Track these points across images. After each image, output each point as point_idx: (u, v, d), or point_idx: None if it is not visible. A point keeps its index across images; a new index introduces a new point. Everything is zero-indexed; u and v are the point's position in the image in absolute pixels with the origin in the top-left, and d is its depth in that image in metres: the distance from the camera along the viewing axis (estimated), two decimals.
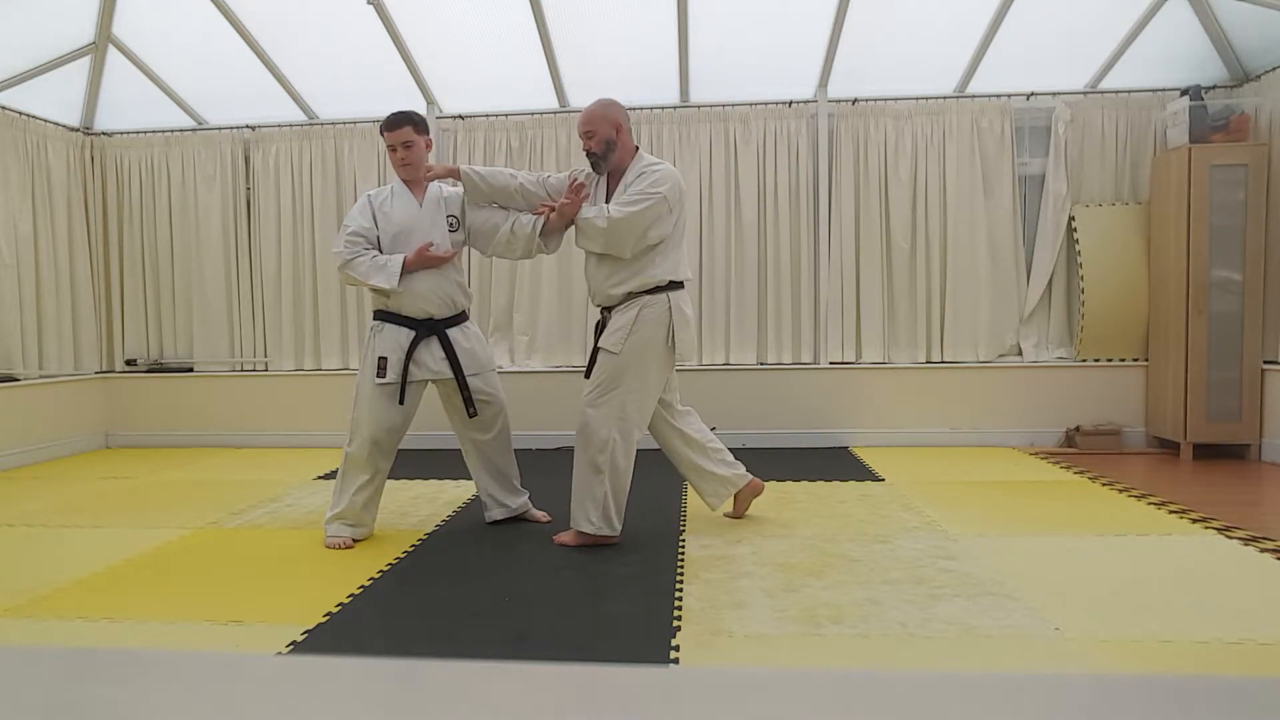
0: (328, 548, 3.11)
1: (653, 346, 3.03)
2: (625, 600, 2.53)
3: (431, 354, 3.19)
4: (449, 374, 3.21)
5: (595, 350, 3.14)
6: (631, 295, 3.06)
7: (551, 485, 4.09)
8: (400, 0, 4.72)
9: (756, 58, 5.05)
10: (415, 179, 3.25)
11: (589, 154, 3.13)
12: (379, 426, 3.15)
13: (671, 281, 3.07)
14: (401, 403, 3.16)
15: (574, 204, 3.07)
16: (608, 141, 3.08)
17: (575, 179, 3.14)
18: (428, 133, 3.27)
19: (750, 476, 3.40)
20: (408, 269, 3.10)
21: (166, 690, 0.56)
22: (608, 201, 3.11)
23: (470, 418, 3.28)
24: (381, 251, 3.17)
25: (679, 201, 3.09)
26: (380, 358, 3.15)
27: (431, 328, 3.19)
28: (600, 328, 3.17)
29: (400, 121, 3.18)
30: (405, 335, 3.16)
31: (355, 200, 5.48)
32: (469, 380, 3.24)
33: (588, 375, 3.17)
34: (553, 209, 3.12)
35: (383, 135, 3.21)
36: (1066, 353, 5.23)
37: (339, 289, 5.58)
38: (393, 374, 3.13)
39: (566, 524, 3.39)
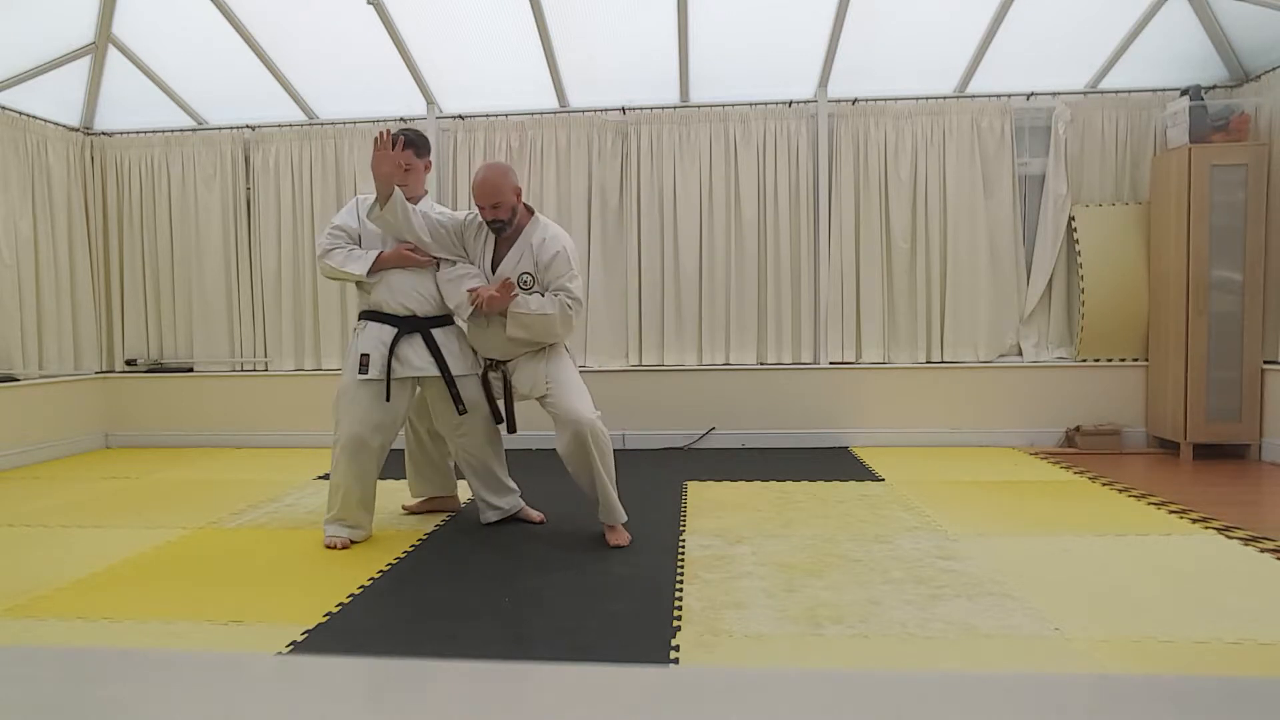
0: (326, 548, 3.11)
1: (566, 359, 3.29)
2: (625, 600, 2.53)
3: (415, 351, 3.18)
4: (434, 372, 3.19)
5: (507, 402, 3.36)
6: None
7: (551, 485, 4.09)
8: (400, 0, 4.72)
9: (756, 58, 5.05)
10: (410, 196, 3.28)
11: (495, 223, 3.14)
12: (362, 424, 3.12)
13: None
14: (387, 399, 3.15)
15: (503, 299, 3.07)
16: (514, 208, 3.15)
17: (506, 277, 3.12)
18: (429, 155, 3.34)
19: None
20: (382, 262, 3.16)
21: (166, 690, 0.56)
22: (496, 260, 3.19)
23: (460, 414, 3.26)
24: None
25: None
26: (362, 354, 3.14)
27: (414, 325, 3.19)
28: (488, 373, 3.30)
29: (404, 144, 3.22)
30: (387, 332, 3.16)
31: None
32: (457, 380, 3.24)
33: (511, 429, 3.38)
34: (481, 300, 3.11)
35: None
36: (1066, 353, 5.23)
37: (339, 289, 5.58)
38: (375, 370, 3.13)
39: (564, 524, 3.41)
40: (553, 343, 3.25)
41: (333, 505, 3.16)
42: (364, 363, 3.13)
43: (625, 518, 3.19)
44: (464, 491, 4.02)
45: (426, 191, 3.38)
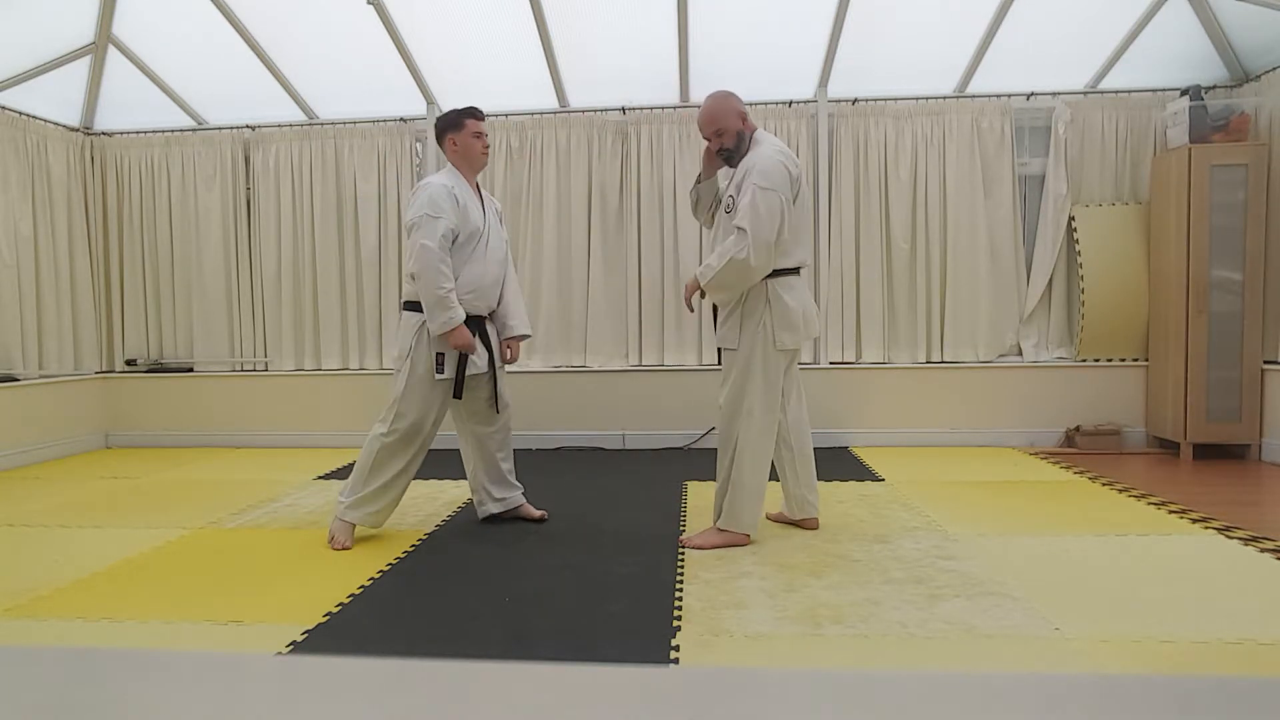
0: (331, 545, 3.11)
1: (761, 337, 2.98)
2: (625, 600, 2.52)
3: (479, 351, 3.22)
4: (487, 369, 3.25)
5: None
6: None
7: (551, 485, 4.10)
8: (400, 0, 4.72)
9: (756, 58, 5.05)
10: (478, 170, 3.31)
11: (723, 152, 3.06)
12: (427, 417, 3.16)
13: (771, 272, 2.95)
14: (459, 396, 3.17)
15: (690, 287, 3.08)
16: (739, 134, 3.02)
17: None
18: None
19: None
20: (449, 333, 3.06)
21: (166, 690, 0.56)
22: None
23: (496, 412, 3.33)
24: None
25: (792, 188, 2.94)
26: (438, 354, 3.12)
27: (480, 323, 3.22)
28: (715, 313, 3.18)
29: (480, 117, 3.26)
30: None
31: (356, 200, 5.52)
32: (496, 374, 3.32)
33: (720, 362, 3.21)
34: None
35: (475, 121, 3.22)
36: (1066, 353, 5.23)
37: (339, 289, 5.58)
38: (450, 370, 3.14)
39: (564, 524, 3.41)
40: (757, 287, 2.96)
41: (361, 490, 3.14)
42: (439, 363, 3.12)
43: (723, 524, 3.03)
44: (464, 492, 4.03)
45: None
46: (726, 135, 3.03)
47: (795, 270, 3.03)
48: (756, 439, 3.00)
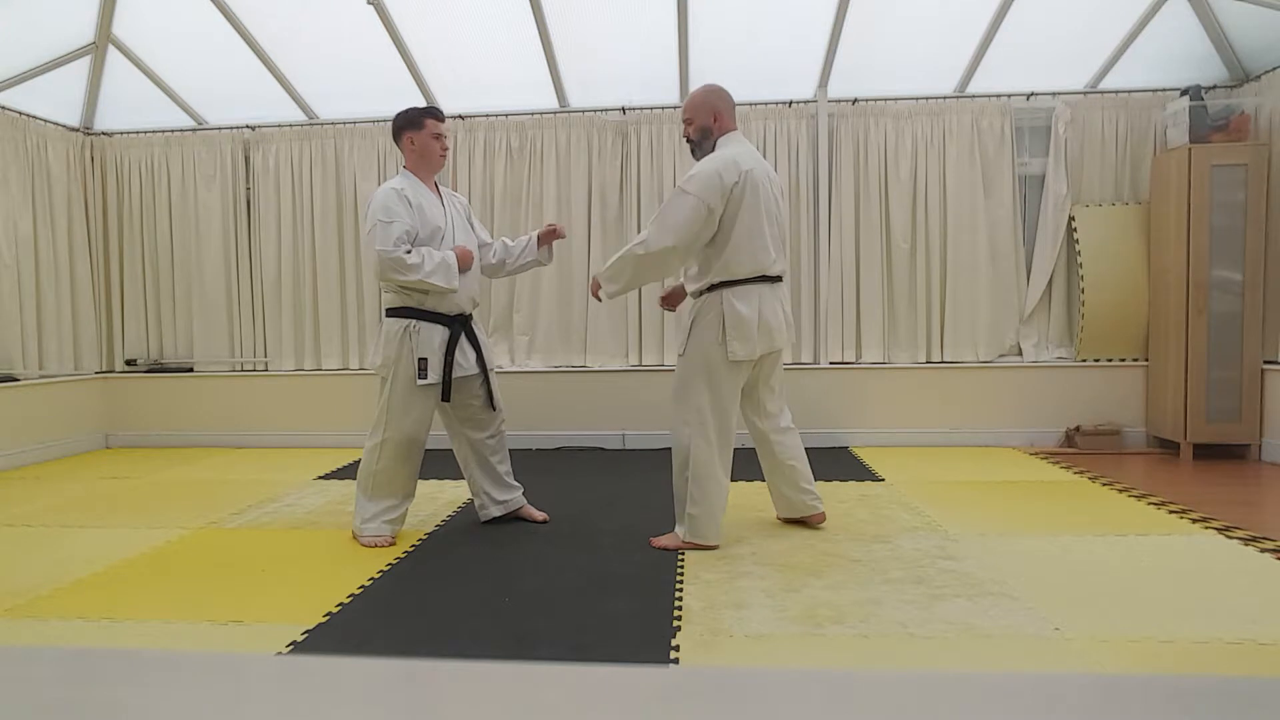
0: (366, 546, 3.12)
1: (711, 348, 2.95)
2: (625, 600, 2.52)
3: (464, 353, 3.20)
4: (476, 370, 3.24)
5: None
6: (697, 294, 3.05)
7: (550, 485, 4.10)
8: (400, 0, 4.72)
9: (756, 58, 5.05)
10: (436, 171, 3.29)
11: (687, 139, 3.14)
12: (418, 426, 3.17)
13: (724, 281, 2.93)
14: (447, 399, 3.16)
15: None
16: (704, 129, 3.06)
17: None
18: None
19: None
20: (459, 261, 3.10)
21: (166, 690, 0.56)
22: None
23: (494, 410, 3.33)
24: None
25: (723, 198, 2.87)
26: (421, 359, 3.10)
27: (462, 323, 3.21)
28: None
29: (440, 118, 3.24)
30: (441, 333, 3.15)
31: (356, 200, 5.52)
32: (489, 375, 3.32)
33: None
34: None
35: (435, 122, 3.19)
36: (1066, 353, 5.23)
37: (339, 289, 5.58)
38: (434, 374, 3.13)
39: (564, 524, 3.41)
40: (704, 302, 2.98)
41: (379, 498, 3.16)
42: (422, 367, 3.10)
43: (679, 531, 3.05)
44: (464, 492, 4.02)
45: None
46: (692, 127, 3.10)
47: (754, 280, 2.95)
48: (704, 451, 2.99)
